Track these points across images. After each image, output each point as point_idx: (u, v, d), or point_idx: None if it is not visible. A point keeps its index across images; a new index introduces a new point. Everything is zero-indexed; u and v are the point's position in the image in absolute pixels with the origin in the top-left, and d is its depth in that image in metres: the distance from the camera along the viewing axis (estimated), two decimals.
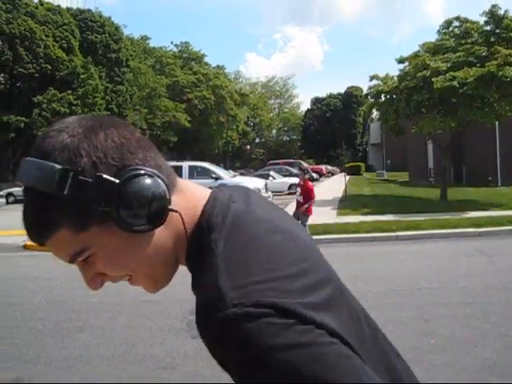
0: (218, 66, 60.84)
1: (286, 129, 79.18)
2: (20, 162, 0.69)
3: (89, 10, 39.79)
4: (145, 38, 52.18)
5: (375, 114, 27.62)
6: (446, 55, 15.16)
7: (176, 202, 0.73)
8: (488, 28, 15.62)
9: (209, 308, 0.62)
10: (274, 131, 79.05)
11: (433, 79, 13.90)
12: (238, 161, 68.53)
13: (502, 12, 15.19)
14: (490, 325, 4.72)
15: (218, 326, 0.60)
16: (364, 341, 0.72)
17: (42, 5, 35.21)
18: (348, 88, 70.01)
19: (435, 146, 21.59)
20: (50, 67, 33.00)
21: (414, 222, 11.09)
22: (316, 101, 72.07)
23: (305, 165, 23.61)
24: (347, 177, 21.21)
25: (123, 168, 0.68)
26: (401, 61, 17.16)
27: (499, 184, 22.38)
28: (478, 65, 14.07)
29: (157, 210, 0.69)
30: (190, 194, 0.78)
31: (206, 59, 59.02)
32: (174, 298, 4.78)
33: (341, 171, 44.88)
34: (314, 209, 9.66)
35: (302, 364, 0.57)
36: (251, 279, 0.62)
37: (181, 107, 46.38)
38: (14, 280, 7.38)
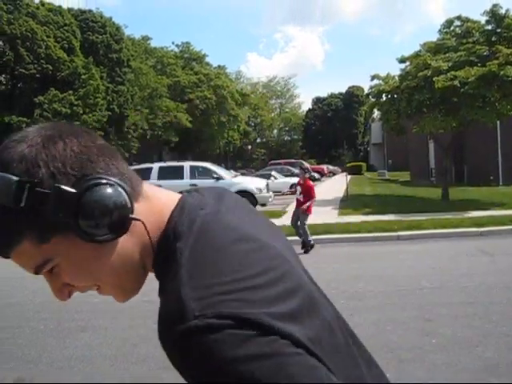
0: (219, 66, 60.84)
1: (287, 129, 79.16)
2: None
3: (90, 11, 39.83)
4: (146, 39, 52.16)
5: (376, 113, 27.65)
6: (447, 55, 15.14)
7: (140, 209, 0.73)
8: (489, 27, 15.61)
9: (170, 319, 0.61)
10: (275, 131, 79.07)
11: (434, 79, 13.89)
12: (240, 161, 68.52)
13: (503, 11, 15.19)
14: (491, 324, 4.72)
15: (180, 337, 0.58)
16: (337, 350, 0.70)
17: (43, 5, 35.24)
18: (349, 88, 70.03)
19: (436, 146, 21.58)
20: (51, 68, 33.04)
21: (415, 222, 11.08)
22: (317, 101, 72.07)
23: (306, 165, 23.63)
24: (348, 176, 21.21)
25: (82, 177, 0.68)
26: (402, 60, 17.15)
27: (500, 183, 22.35)
28: (479, 64, 14.05)
29: (118, 219, 0.68)
30: (157, 201, 0.77)
31: (207, 59, 59.09)
32: None
33: (342, 171, 44.84)
34: (316, 209, 9.67)
35: (264, 375, 0.56)
36: (214, 290, 0.61)
37: (182, 107, 46.38)
38: (14, 280, 7.34)
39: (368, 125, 64.62)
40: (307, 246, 8.92)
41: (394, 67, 37.15)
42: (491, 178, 22.66)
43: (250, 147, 73.27)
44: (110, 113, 35.48)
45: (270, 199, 16.30)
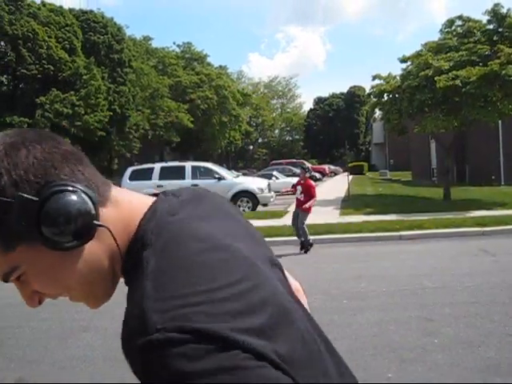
0: (220, 67, 60.84)
1: (288, 129, 79.15)
2: None
3: (91, 11, 39.83)
4: (147, 39, 52.22)
5: (378, 113, 27.58)
6: (448, 54, 15.12)
7: (107, 215, 0.72)
8: (491, 27, 15.59)
9: (132, 331, 0.61)
10: (276, 131, 79.08)
11: (435, 78, 13.88)
12: (241, 161, 68.58)
13: (504, 11, 15.16)
14: (493, 324, 4.72)
15: (141, 350, 0.58)
16: (310, 359, 0.68)
17: (44, 6, 35.29)
18: (350, 88, 69.98)
19: (438, 146, 21.55)
20: (52, 68, 33.09)
21: (417, 222, 11.07)
22: (319, 101, 72.04)
23: (307, 165, 23.63)
24: (350, 176, 21.19)
25: (46, 185, 0.67)
26: (403, 60, 17.12)
27: (502, 183, 22.31)
28: (480, 64, 14.03)
29: (82, 226, 0.67)
30: (127, 205, 0.76)
31: (208, 59, 59.06)
32: None
33: (344, 171, 44.89)
34: (317, 209, 9.66)
35: None
36: (177, 302, 0.60)
37: (183, 107, 46.40)
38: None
39: (369, 125, 64.60)
40: (306, 246, 8.93)
41: (395, 67, 37.21)
42: (493, 177, 22.63)
43: (251, 147, 73.33)
44: (111, 113, 35.50)
45: (271, 199, 16.29)
